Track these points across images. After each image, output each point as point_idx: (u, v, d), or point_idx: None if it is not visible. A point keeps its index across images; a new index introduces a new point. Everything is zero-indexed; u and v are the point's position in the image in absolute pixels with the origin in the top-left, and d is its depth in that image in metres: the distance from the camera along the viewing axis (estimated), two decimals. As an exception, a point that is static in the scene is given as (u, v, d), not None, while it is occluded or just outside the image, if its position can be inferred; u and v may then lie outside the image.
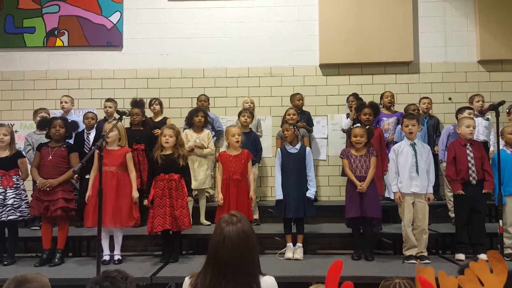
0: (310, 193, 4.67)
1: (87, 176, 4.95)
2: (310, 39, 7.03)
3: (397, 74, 7.03)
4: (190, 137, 5.66)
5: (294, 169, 4.72)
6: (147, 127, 5.88)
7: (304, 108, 6.58)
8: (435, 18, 7.07)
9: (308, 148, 4.90)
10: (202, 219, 5.69)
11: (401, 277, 1.95)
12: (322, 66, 7.02)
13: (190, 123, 5.81)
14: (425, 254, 4.59)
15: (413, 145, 4.69)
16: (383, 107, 6.34)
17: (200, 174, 5.66)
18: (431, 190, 4.61)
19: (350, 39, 6.91)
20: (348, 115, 6.33)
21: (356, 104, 5.83)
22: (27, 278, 1.92)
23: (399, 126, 5.76)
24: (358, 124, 5.05)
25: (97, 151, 3.62)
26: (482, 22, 6.95)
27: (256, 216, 5.67)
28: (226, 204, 4.72)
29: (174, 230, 4.59)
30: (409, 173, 4.60)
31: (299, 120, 6.00)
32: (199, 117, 5.73)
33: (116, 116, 6.08)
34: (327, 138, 6.98)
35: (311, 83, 6.99)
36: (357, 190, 4.57)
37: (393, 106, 6.48)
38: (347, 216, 4.67)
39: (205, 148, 5.71)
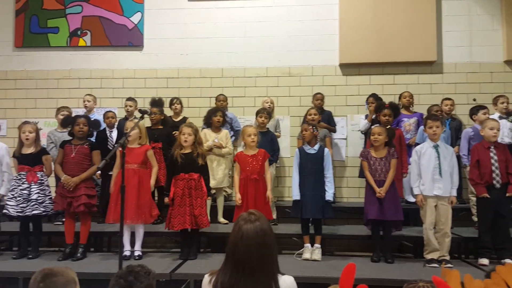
0: (329, 195, 4.68)
1: (109, 173, 5.06)
2: (330, 38, 7.03)
3: (419, 74, 6.97)
4: (209, 137, 5.73)
5: (312, 170, 4.73)
6: (167, 126, 5.97)
7: (325, 108, 6.57)
8: (460, 16, 6.98)
9: (326, 149, 4.90)
10: (220, 218, 5.76)
11: (425, 281, 1.94)
12: (342, 65, 7.01)
13: (208, 123, 5.88)
14: (447, 258, 4.55)
15: (436, 147, 4.64)
16: (402, 107, 6.29)
17: (219, 173, 5.72)
18: (454, 193, 4.57)
19: (371, 38, 6.88)
20: (366, 117, 6.31)
21: (375, 105, 5.81)
22: (53, 271, 1.95)
23: (422, 127, 5.72)
24: (377, 125, 5.03)
25: (120, 148, 3.71)
26: (508, 21, 6.84)
27: (273, 216, 5.69)
28: (244, 204, 4.78)
29: (194, 228, 4.67)
30: (432, 175, 4.56)
31: (320, 121, 5.99)
32: (217, 117, 5.79)
33: (137, 114, 6.20)
34: (346, 139, 6.97)
35: (331, 83, 6.99)
36: (376, 196, 4.57)
37: (412, 106, 6.43)
38: (367, 218, 4.67)
39: (224, 148, 5.77)
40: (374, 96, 6.40)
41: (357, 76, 7.01)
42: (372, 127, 4.94)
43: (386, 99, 6.01)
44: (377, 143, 4.70)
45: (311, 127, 4.86)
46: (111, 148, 5.72)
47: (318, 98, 6.51)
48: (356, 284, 1.88)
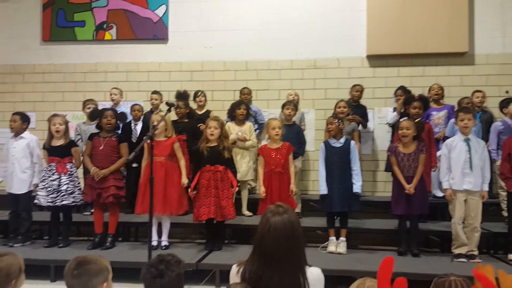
0: (357, 188, 4.70)
1: (134, 165, 5.17)
2: (356, 29, 6.95)
3: (450, 65, 6.84)
4: (232, 130, 5.78)
5: (338, 163, 4.75)
6: (192, 119, 6.04)
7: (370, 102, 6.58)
8: (493, 7, 6.81)
9: (352, 142, 4.91)
10: (244, 210, 5.83)
11: (456, 275, 1.93)
12: (370, 57, 6.95)
13: (232, 116, 5.93)
14: (476, 253, 4.51)
15: (467, 141, 4.58)
16: (431, 100, 6.20)
17: (243, 166, 5.78)
18: (486, 188, 4.52)
19: (400, 29, 6.78)
20: (395, 109, 6.24)
21: (405, 97, 5.73)
22: (87, 259, 2.03)
23: (452, 120, 5.63)
24: (406, 118, 4.98)
25: (148, 141, 3.80)
26: (543, 11, 6.64)
27: (298, 209, 5.73)
28: (269, 197, 4.83)
29: (219, 219, 4.76)
30: (462, 170, 4.51)
31: (351, 113, 5.94)
32: (241, 110, 5.83)
33: (163, 107, 6.28)
34: (372, 132, 6.93)
35: (357, 75, 6.92)
36: (405, 192, 4.56)
37: (442, 99, 6.32)
38: (394, 213, 4.68)
39: (247, 141, 5.81)
40: (402, 88, 6.33)
41: (385, 68, 6.93)
42: (400, 120, 4.90)
43: (415, 92, 5.95)
44: (406, 138, 4.67)
45: (336, 120, 4.85)
46: (134, 141, 5.84)
47: (358, 90, 6.42)
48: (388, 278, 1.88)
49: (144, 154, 4.90)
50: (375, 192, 6.80)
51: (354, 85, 6.49)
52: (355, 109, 6.20)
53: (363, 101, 6.62)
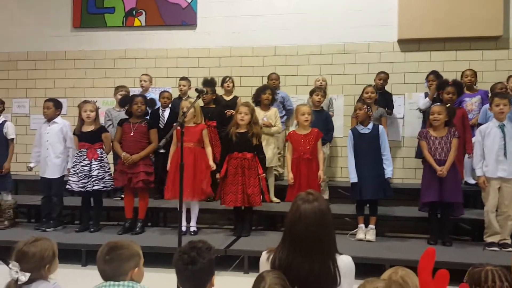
0: (388, 172, 4.67)
1: (161, 151, 5.22)
2: (387, 13, 6.78)
3: (483, 50, 6.61)
4: (258, 115, 5.74)
5: (368, 150, 4.72)
6: (219, 105, 6.04)
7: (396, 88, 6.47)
8: (530, -13, 6.53)
9: (381, 127, 4.87)
10: (272, 196, 5.83)
11: (492, 265, 1.88)
12: (401, 41, 6.79)
13: (257, 101, 5.90)
14: (509, 241, 4.43)
15: (501, 127, 4.46)
16: (464, 86, 6.02)
17: (268, 152, 5.74)
18: None
19: (432, 12, 6.58)
20: (426, 95, 6.09)
21: (438, 82, 5.58)
22: (118, 244, 2.05)
23: (485, 106, 5.47)
24: (437, 104, 4.86)
25: (178, 127, 3.83)
26: None
27: (326, 196, 5.71)
28: (297, 184, 4.84)
29: (246, 205, 4.80)
30: (496, 157, 4.41)
31: (378, 101, 5.85)
32: (266, 95, 5.80)
33: (192, 94, 6.30)
34: (403, 118, 6.80)
35: (388, 60, 6.79)
36: (437, 174, 4.46)
37: (475, 85, 6.13)
38: (424, 200, 4.60)
39: (272, 126, 5.80)
40: (434, 73, 6.17)
41: (416, 53, 6.76)
42: (432, 106, 4.78)
43: (447, 77, 5.79)
44: (437, 122, 4.56)
45: (365, 106, 4.79)
46: (162, 127, 5.88)
47: (382, 78, 6.33)
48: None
49: (173, 140, 4.93)
50: (405, 180, 6.70)
51: (378, 73, 6.40)
52: (380, 96, 6.11)
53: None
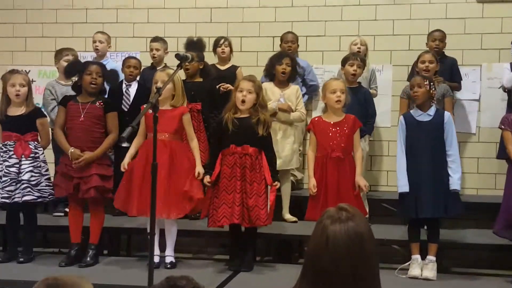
0: (455, 182, 4.67)
1: (124, 145, 5.21)
2: None
3: None
4: (271, 95, 5.75)
5: (427, 146, 4.73)
6: (209, 78, 6.04)
7: (447, 54, 6.40)
8: None
9: (447, 113, 4.88)
10: (286, 213, 5.83)
11: None
12: (477, -13, 6.80)
13: (271, 74, 5.89)
14: None
15: None
16: None
17: (285, 149, 5.76)
18: None
19: None
20: (513, 66, 6.11)
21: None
22: (60, 283, 2.01)
23: None
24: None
25: (150, 110, 3.80)
26: None
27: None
28: (322, 194, 4.84)
29: (246, 225, 4.78)
30: None
31: (437, 72, 5.84)
32: (283, 66, 5.77)
33: (168, 62, 6.28)
34: (479, 101, 6.80)
35: (457, 15, 6.80)
36: None
37: None
38: (504, 219, 4.66)
39: (292, 111, 5.79)
40: (526, 34, 6.17)
41: (499, 4, 6.78)
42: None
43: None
44: None
45: (427, 81, 4.75)
46: (126, 110, 5.88)
47: (436, 38, 6.34)
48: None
49: (139, 129, 4.91)
50: (480, 190, 6.70)
51: (431, 32, 6.42)
52: (440, 65, 6.07)
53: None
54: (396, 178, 4.91)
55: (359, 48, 6.42)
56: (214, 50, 6.52)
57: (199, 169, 4.87)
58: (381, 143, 6.90)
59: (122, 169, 4.90)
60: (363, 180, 4.90)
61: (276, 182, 4.83)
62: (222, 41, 6.52)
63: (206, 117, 5.79)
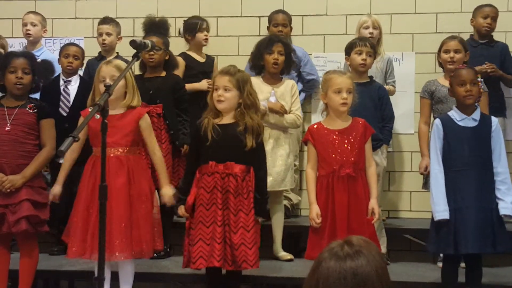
0: (507, 207, 4.67)
1: (60, 161, 5.20)
2: None
3: None
4: (260, 93, 5.72)
5: (472, 159, 4.76)
6: (172, 73, 6.09)
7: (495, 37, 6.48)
8: None
9: (495, 119, 4.90)
10: (278, 249, 5.82)
11: None
12: None
13: (258, 65, 5.91)
14: None
15: None
16: None
17: (276, 163, 5.76)
18: None
19: None
20: None
21: None
22: None
23: None
24: None
25: (98, 115, 3.76)
26: None
27: (383, 248, 5.69)
28: (328, 226, 4.84)
29: (229, 268, 4.77)
30: None
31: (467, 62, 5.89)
32: (274, 55, 5.80)
33: (120, 51, 6.28)
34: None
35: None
36: None
37: None
38: None
39: (287, 113, 5.81)
40: None
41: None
42: None
43: None
44: None
45: (478, 77, 4.84)
46: (65, 114, 5.91)
47: (487, 15, 6.42)
48: None
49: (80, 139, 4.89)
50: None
51: (480, 7, 6.48)
52: (484, 52, 6.18)
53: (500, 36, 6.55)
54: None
55: (371, 32, 6.42)
56: (191, 36, 6.51)
57: (167, 190, 4.90)
58: (402, 154, 6.94)
59: (51, 198, 4.93)
60: (377, 206, 4.90)
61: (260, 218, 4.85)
62: (204, 24, 6.54)
63: (172, 123, 5.80)
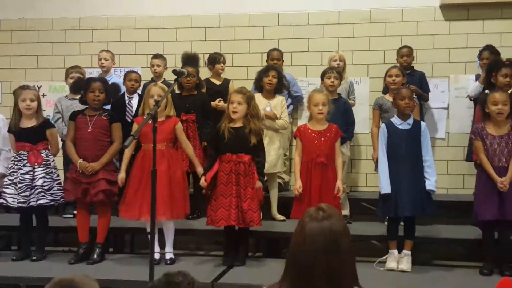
0: (431, 184, 4.72)
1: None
2: (427, -31, 6.82)
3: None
4: (259, 104, 5.71)
5: (408, 152, 4.77)
6: (200, 91, 6.05)
7: (418, 67, 6.45)
8: None
9: (423, 123, 4.91)
10: (274, 212, 5.85)
11: None
12: (445, 7, 6.81)
13: (259, 86, 5.91)
14: None
15: None
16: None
17: (271, 153, 5.74)
18: None
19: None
20: (477, 77, 6.13)
21: (489, 62, 5.65)
22: (71, 283, 1.95)
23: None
24: (495, 90, 4.88)
25: (150, 121, 3.83)
26: None
27: (346, 212, 5.72)
28: (307, 195, 4.87)
29: (241, 226, 4.84)
30: None
31: (406, 84, 5.88)
32: (269, 78, 5.80)
33: (166, 76, 6.32)
34: (447, 109, 6.83)
35: (427, 32, 6.82)
36: (498, 187, 4.53)
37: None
38: (481, 218, 4.68)
39: (277, 119, 5.82)
40: (489, 49, 6.17)
41: (465, 22, 6.80)
42: (487, 92, 4.81)
43: (507, 54, 5.79)
44: (502, 116, 4.60)
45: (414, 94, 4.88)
46: (130, 120, 5.86)
47: (404, 54, 6.38)
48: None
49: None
50: (450, 189, 6.71)
51: (399, 49, 6.47)
52: (409, 78, 6.11)
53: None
54: (374, 180, 4.93)
55: (338, 64, 6.43)
56: (212, 66, 6.47)
57: (199, 170, 4.96)
58: (360, 148, 6.90)
59: (120, 184, 4.95)
60: (341, 185, 4.95)
61: (258, 182, 4.83)
62: (222, 58, 6.48)
63: (200, 126, 5.81)
